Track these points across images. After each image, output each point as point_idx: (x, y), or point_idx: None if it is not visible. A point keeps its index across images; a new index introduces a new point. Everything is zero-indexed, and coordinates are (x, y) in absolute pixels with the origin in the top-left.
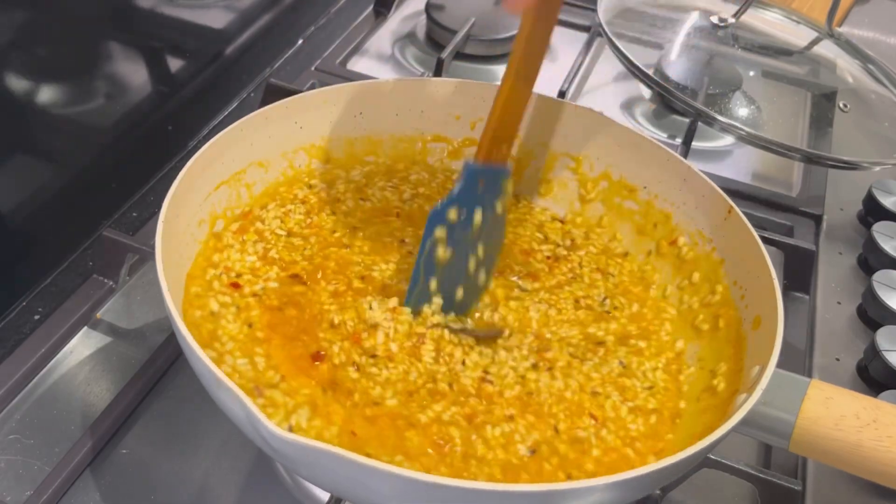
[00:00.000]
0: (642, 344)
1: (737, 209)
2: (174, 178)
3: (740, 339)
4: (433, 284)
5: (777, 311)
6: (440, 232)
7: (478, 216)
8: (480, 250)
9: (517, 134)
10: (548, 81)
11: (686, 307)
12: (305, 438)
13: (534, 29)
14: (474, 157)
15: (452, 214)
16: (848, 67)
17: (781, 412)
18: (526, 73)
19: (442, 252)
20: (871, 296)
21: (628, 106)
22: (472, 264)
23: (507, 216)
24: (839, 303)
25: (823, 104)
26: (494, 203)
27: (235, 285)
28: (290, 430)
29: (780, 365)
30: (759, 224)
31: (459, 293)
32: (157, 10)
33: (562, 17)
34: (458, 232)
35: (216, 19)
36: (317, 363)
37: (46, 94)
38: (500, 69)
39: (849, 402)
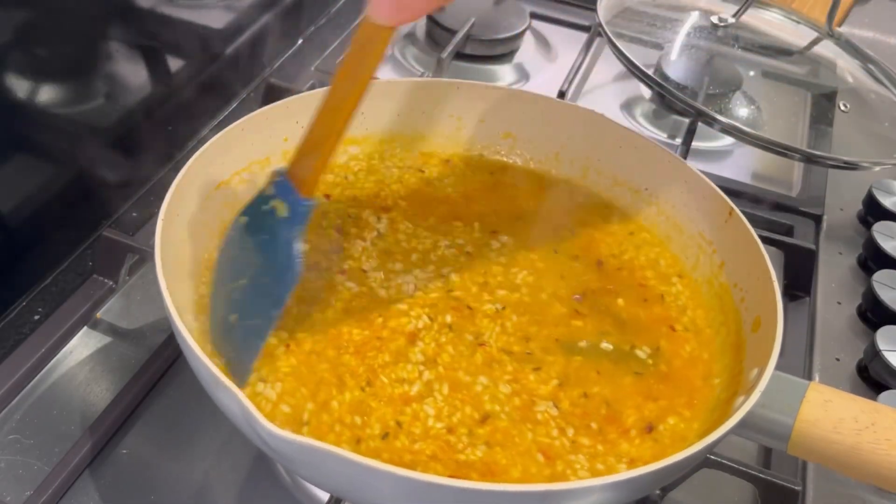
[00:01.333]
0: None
1: (738, 211)
2: (174, 178)
3: (740, 341)
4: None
5: (777, 313)
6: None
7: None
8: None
9: (327, 155)
10: (548, 82)
11: None
12: (302, 437)
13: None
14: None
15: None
16: (848, 67)
17: (779, 414)
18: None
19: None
20: (871, 296)
21: (628, 106)
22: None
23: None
24: (839, 303)
25: (823, 104)
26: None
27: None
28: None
29: (780, 365)
30: (759, 224)
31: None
32: (157, 10)
33: (562, 16)
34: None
35: (216, 19)
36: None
37: (46, 94)
38: (500, 69)
39: (847, 404)
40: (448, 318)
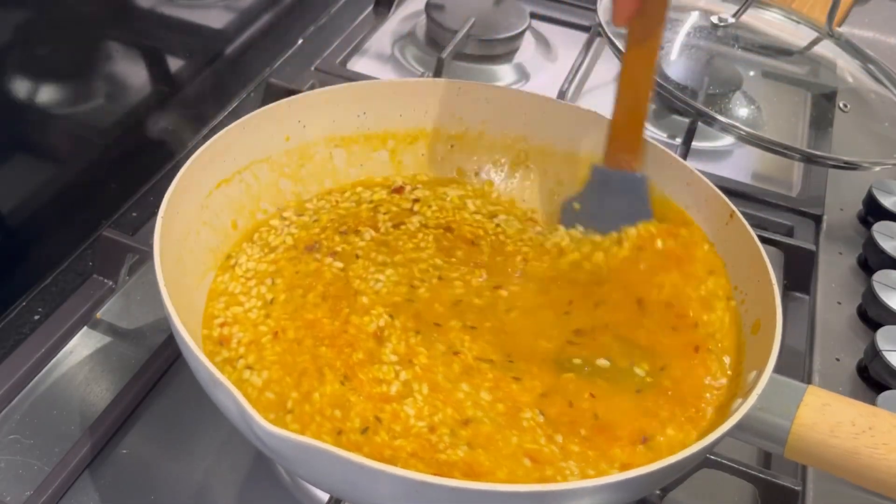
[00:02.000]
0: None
1: (738, 213)
2: (175, 177)
3: (739, 344)
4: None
5: (776, 316)
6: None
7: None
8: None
9: (638, 143)
10: (548, 82)
11: None
12: (297, 435)
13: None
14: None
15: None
16: (848, 67)
17: (777, 417)
18: (636, 89)
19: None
20: (871, 296)
21: None
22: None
23: None
24: (839, 303)
25: (823, 104)
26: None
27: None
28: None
29: (779, 365)
30: (759, 224)
31: None
32: (157, 10)
33: (562, 16)
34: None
35: (216, 19)
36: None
37: (46, 94)
38: (500, 69)
39: (845, 408)
40: (410, 324)
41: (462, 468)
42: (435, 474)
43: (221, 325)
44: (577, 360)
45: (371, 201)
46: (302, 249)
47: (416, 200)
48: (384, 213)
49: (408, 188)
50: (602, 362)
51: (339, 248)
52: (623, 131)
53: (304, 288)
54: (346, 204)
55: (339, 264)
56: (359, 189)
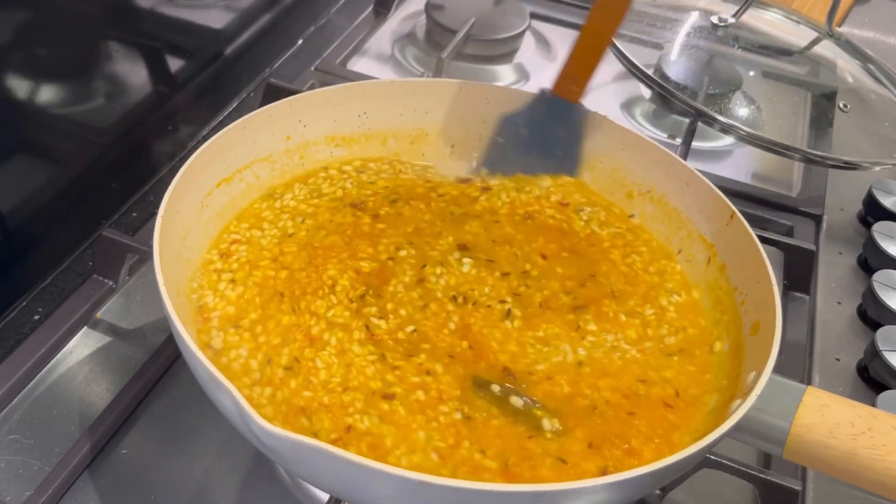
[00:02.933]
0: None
1: (739, 214)
2: (174, 177)
3: (738, 345)
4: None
5: (775, 317)
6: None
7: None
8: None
9: (588, 78)
10: (548, 82)
11: None
12: (295, 434)
13: None
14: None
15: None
16: (848, 67)
17: (776, 418)
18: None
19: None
20: (871, 296)
21: (628, 106)
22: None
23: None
24: (839, 303)
25: (823, 104)
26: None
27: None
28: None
29: (779, 365)
30: (759, 224)
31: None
32: (157, 10)
33: (562, 16)
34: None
35: (216, 19)
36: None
37: (46, 94)
38: (500, 69)
39: (844, 409)
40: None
41: (367, 441)
42: (338, 439)
43: (232, 242)
44: (495, 387)
45: (429, 181)
46: (347, 203)
47: (485, 189)
48: (440, 195)
49: (478, 179)
50: (515, 400)
51: (381, 212)
52: (577, 68)
53: (327, 230)
54: (406, 176)
55: (381, 225)
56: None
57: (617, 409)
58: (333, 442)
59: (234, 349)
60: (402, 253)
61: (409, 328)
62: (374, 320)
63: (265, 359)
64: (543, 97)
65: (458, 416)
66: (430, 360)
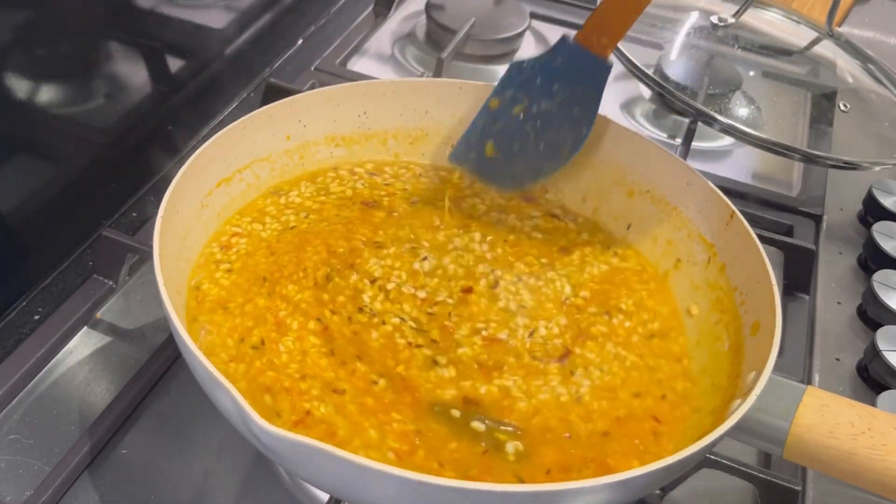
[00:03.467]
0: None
1: (739, 214)
2: (174, 177)
3: (738, 345)
4: (488, 148)
5: (775, 318)
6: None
7: (556, 88)
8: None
9: (623, 32)
10: None
11: None
12: (295, 435)
13: None
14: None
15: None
16: (848, 67)
17: (776, 418)
18: None
19: (516, 109)
20: (871, 296)
21: (628, 106)
22: (532, 137)
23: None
24: (839, 303)
25: (823, 104)
26: (579, 90)
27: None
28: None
29: (779, 365)
30: (759, 224)
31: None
32: (157, 10)
33: (562, 16)
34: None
35: (216, 19)
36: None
37: (46, 94)
38: (500, 69)
39: (844, 409)
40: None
41: (322, 430)
42: (299, 421)
43: (233, 235)
44: (455, 412)
45: (451, 182)
46: (358, 202)
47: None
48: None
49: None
50: (477, 425)
51: (398, 210)
52: (612, 16)
53: (329, 222)
54: (426, 179)
55: (396, 214)
56: (443, 173)
57: (591, 435)
58: (295, 424)
59: (218, 327)
60: (393, 249)
61: (353, 329)
62: (328, 312)
63: (239, 338)
64: (565, 46)
65: (411, 427)
66: (372, 372)
